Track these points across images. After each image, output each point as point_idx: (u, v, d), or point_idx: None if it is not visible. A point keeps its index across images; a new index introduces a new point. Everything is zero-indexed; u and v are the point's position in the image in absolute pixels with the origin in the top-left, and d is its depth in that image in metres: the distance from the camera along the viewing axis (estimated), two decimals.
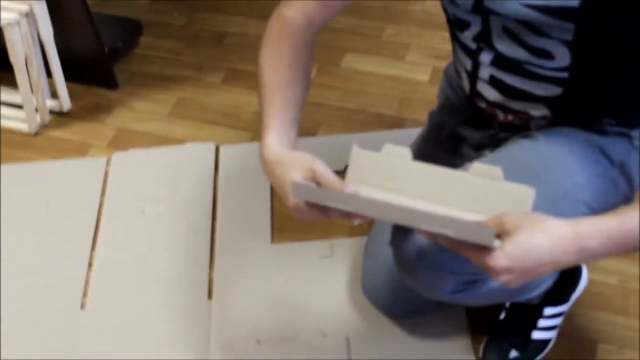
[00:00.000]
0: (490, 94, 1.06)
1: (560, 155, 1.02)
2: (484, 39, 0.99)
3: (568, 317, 1.32)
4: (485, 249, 0.79)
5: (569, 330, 1.32)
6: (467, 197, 0.84)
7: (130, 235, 1.61)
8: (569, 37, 0.91)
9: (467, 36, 1.02)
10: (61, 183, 1.73)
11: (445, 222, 0.82)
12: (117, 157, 1.78)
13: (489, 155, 1.08)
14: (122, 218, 1.65)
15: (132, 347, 1.40)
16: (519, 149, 1.05)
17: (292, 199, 0.89)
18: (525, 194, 0.82)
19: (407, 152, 0.88)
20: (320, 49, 2.00)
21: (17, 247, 1.60)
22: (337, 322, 1.39)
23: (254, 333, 1.39)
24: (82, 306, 1.48)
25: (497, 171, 0.83)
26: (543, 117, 1.06)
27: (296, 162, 0.91)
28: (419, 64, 1.97)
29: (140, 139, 1.83)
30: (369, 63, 1.99)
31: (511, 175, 1.01)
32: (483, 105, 1.11)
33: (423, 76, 1.93)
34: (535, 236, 0.79)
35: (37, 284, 1.53)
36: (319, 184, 0.88)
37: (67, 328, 1.44)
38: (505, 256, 0.79)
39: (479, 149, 1.18)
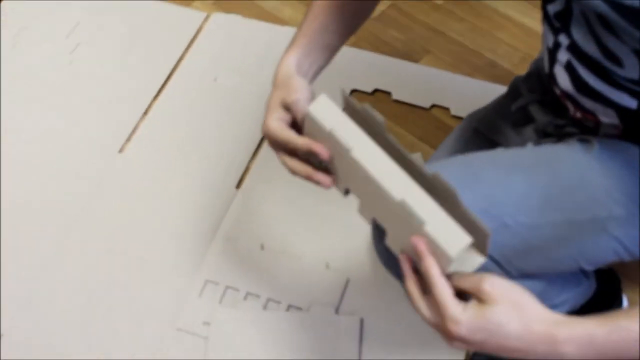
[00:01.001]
0: (564, 81, 0.90)
1: (608, 177, 0.85)
2: (564, 20, 0.83)
3: None
4: (447, 311, 0.69)
5: None
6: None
7: (194, 98, 1.57)
8: (638, 46, 0.73)
9: (551, 10, 0.85)
10: (154, 24, 1.71)
11: (422, 200, 0.72)
12: (216, 17, 1.72)
13: (530, 147, 0.93)
14: (194, 78, 1.61)
15: (148, 204, 1.39)
16: (566, 152, 0.90)
17: (267, 124, 0.83)
18: (462, 238, 0.70)
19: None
20: None
21: (86, 72, 1.61)
22: (344, 260, 1.31)
23: (262, 237, 1.33)
24: (121, 149, 1.48)
25: (453, 194, 0.71)
26: (613, 126, 0.89)
27: (291, 89, 0.84)
28: None
29: (245, 7, 1.76)
30: (510, 6, 1.78)
31: (543, 180, 0.87)
32: (557, 91, 0.95)
33: None
34: (511, 321, 0.68)
35: (91, 112, 1.54)
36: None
37: (102, 167, 1.45)
38: (467, 327, 0.68)
39: (542, 136, 1.02)
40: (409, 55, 1.66)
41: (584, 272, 1.04)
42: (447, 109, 1.54)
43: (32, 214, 1.37)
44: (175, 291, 1.26)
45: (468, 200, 0.80)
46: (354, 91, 1.58)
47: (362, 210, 0.83)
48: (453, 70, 1.63)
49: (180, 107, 1.56)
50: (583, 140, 0.90)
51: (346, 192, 0.85)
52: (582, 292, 1.06)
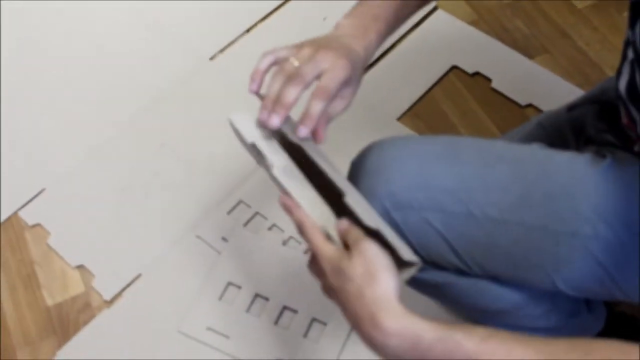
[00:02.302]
0: (623, 82, 0.82)
1: (605, 195, 0.77)
2: (636, 12, 0.75)
3: None
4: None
5: None
6: None
7: (299, 30, 1.56)
8: None
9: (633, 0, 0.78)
10: None
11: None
12: None
13: (535, 145, 0.85)
14: (305, 11, 1.62)
15: (218, 113, 1.40)
16: (568, 159, 0.81)
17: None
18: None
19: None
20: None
21: None
22: None
23: None
24: (212, 57, 1.51)
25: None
26: None
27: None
28: None
29: None
30: None
31: (528, 179, 0.80)
32: (619, 92, 0.88)
33: None
34: (355, 279, 0.65)
35: (194, 16, 1.59)
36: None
37: (187, 68, 1.50)
38: (324, 260, 0.68)
39: (585, 143, 0.95)
40: (526, 49, 1.58)
41: (587, 305, 0.97)
42: (541, 112, 1.46)
43: (109, 94, 1.44)
44: (207, 201, 1.29)
45: (439, 177, 0.76)
46: (454, 67, 1.53)
47: None
48: (565, 77, 1.53)
49: (282, 35, 1.55)
50: (599, 154, 0.82)
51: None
52: (579, 325, 0.97)
